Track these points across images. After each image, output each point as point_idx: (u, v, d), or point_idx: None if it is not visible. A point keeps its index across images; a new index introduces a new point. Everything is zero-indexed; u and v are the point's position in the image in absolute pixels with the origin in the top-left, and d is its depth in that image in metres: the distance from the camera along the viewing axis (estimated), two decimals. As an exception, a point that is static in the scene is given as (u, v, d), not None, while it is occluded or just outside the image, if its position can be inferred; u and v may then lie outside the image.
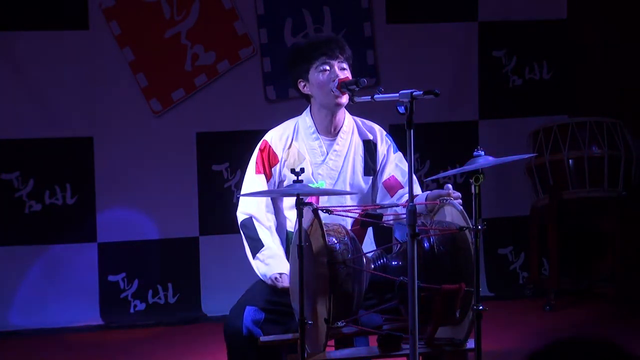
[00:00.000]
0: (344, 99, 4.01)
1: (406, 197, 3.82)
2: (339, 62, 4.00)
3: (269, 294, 3.94)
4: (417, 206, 3.35)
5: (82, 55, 6.34)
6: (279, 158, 4.08)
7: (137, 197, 6.44)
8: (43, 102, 6.30)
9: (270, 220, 4.08)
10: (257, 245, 4.03)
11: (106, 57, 6.36)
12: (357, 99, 3.84)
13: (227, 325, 3.90)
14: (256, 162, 4.11)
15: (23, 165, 6.33)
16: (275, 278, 3.92)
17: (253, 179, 4.10)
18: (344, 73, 4.00)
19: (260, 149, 4.12)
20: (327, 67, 4.00)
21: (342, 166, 4.09)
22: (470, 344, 3.54)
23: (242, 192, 4.10)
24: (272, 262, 3.97)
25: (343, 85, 3.93)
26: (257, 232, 4.03)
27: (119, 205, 6.42)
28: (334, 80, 3.97)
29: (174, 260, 6.54)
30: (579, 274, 6.92)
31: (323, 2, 6.64)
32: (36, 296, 6.31)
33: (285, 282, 3.89)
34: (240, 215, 4.10)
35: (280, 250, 4.03)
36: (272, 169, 4.08)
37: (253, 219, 4.06)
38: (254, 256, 4.04)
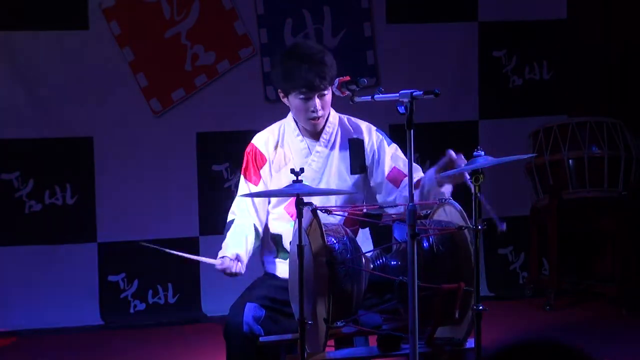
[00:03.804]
0: (319, 125, 4.05)
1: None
2: (319, 92, 4.00)
3: (270, 291, 3.95)
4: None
5: (82, 55, 6.34)
6: (267, 159, 4.11)
7: (137, 197, 6.44)
8: (43, 102, 6.30)
9: (248, 218, 4.11)
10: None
11: (106, 57, 6.36)
12: (357, 99, 3.84)
13: (228, 322, 3.90)
14: (243, 167, 4.17)
15: (23, 165, 6.33)
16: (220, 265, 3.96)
17: (241, 184, 4.18)
18: (324, 100, 4.00)
19: (246, 152, 4.18)
20: (306, 97, 4.01)
21: (325, 167, 4.10)
22: (470, 343, 3.54)
23: (237, 194, 4.16)
24: (220, 253, 4.02)
25: (343, 85, 3.92)
26: (226, 233, 4.09)
27: (119, 205, 6.42)
28: (312, 111, 3.99)
29: (174, 260, 6.52)
30: (579, 274, 6.92)
31: (323, 2, 6.64)
32: (36, 296, 6.31)
33: (224, 264, 3.93)
34: (229, 216, 4.15)
35: (232, 241, 4.04)
36: (261, 171, 4.11)
37: (233, 222, 4.11)
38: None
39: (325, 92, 4.00)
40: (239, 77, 6.56)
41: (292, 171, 3.57)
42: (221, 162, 6.56)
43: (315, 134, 4.12)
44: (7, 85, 6.25)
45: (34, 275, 6.32)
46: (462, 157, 3.72)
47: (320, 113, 4.01)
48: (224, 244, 4.05)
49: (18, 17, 6.24)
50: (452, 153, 3.74)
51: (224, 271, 3.96)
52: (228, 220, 4.14)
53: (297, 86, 3.99)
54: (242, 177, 4.17)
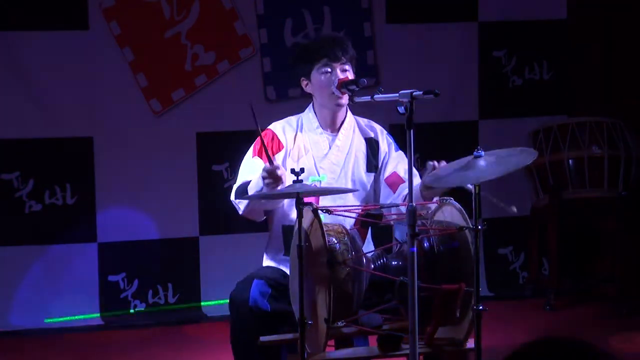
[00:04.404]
0: (344, 100, 4.03)
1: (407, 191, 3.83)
2: (341, 64, 4.02)
3: (276, 275, 3.95)
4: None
5: (82, 55, 6.33)
6: (284, 146, 4.09)
7: (137, 197, 6.44)
8: (43, 102, 6.30)
9: None
10: (246, 189, 3.94)
11: (106, 57, 6.36)
12: (357, 99, 3.85)
13: (234, 296, 3.89)
14: (253, 147, 4.09)
15: (23, 165, 6.32)
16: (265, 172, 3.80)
17: (250, 162, 4.05)
18: (346, 75, 4.01)
19: (262, 135, 4.05)
20: (329, 69, 4.02)
21: (344, 161, 4.11)
22: (470, 343, 3.54)
23: (239, 176, 4.05)
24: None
25: (343, 85, 3.94)
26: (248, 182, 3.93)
27: (119, 205, 6.42)
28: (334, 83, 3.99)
29: (174, 260, 6.54)
30: (579, 274, 6.93)
31: (323, 2, 6.64)
32: (36, 296, 6.31)
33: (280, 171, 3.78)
34: (236, 186, 4.02)
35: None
36: (276, 156, 4.06)
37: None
38: (248, 192, 3.92)
39: (347, 67, 4.01)
40: (239, 77, 6.56)
41: (292, 171, 3.56)
42: (221, 162, 6.55)
43: (334, 127, 4.11)
44: (7, 85, 6.25)
45: (33, 275, 6.32)
46: (442, 163, 3.74)
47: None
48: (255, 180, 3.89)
49: (18, 17, 6.24)
50: (434, 164, 3.76)
51: (273, 173, 3.77)
52: (240, 183, 3.99)
53: (320, 57, 4.00)
54: (250, 156, 4.06)
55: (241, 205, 4.00)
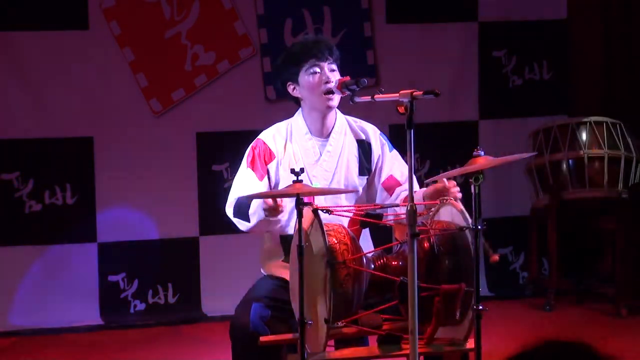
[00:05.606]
0: (335, 102, 4.01)
1: (404, 194, 3.82)
2: (328, 63, 4.01)
3: (274, 291, 3.93)
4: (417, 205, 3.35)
5: (82, 55, 6.34)
6: (275, 156, 4.06)
7: (137, 197, 6.44)
8: (43, 102, 6.30)
9: None
10: (246, 209, 3.88)
11: (106, 57, 6.36)
12: (357, 99, 3.83)
13: (234, 322, 3.88)
14: (246, 159, 4.05)
15: (23, 165, 6.33)
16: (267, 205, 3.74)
17: (244, 174, 4.02)
18: (334, 75, 4.00)
19: (253, 147, 4.07)
20: (317, 70, 4.00)
21: (336, 167, 4.08)
22: (470, 344, 3.54)
23: (233, 189, 4.01)
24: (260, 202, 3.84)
25: (343, 86, 3.92)
26: (249, 205, 3.88)
27: (119, 205, 6.42)
28: (325, 83, 3.98)
29: (174, 260, 6.54)
30: (579, 274, 6.93)
31: (323, 2, 6.64)
32: (36, 296, 6.31)
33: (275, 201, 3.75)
34: (232, 201, 3.98)
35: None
36: (268, 166, 4.05)
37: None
38: (250, 218, 3.88)
39: (334, 66, 4.00)
40: (239, 77, 6.56)
41: (292, 171, 3.55)
42: (221, 162, 6.55)
43: (324, 132, 4.09)
44: (7, 85, 6.25)
45: (33, 275, 6.32)
46: (455, 184, 3.76)
47: (334, 85, 3.97)
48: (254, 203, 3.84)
49: (18, 17, 6.24)
50: (446, 181, 3.77)
51: (272, 208, 3.73)
52: (238, 198, 3.92)
53: (306, 58, 3.98)
54: (245, 167, 4.03)
55: (242, 226, 3.98)
